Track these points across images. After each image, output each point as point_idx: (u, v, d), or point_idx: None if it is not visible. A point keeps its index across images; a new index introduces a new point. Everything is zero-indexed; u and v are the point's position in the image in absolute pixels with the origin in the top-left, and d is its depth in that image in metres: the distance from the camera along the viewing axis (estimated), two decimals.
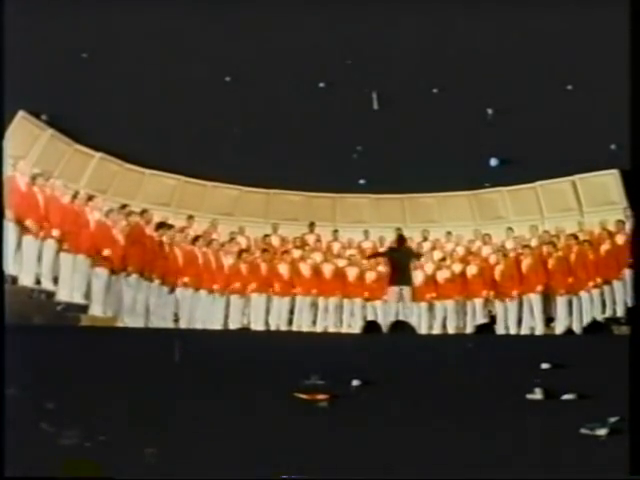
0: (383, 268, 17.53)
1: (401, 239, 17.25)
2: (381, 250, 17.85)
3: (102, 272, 15.35)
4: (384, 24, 16.07)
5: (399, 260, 16.64)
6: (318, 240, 18.74)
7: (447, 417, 8.30)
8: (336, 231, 18.97)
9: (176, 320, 16.59)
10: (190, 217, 18.29)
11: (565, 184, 18.51)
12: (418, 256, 17.29)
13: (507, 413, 8.44)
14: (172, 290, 16.32)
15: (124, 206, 16.77)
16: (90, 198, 15.91)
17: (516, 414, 8.42)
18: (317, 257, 18.35)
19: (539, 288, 17.05)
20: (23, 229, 14.57)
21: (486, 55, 16.43)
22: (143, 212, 16.83)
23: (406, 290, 16.51)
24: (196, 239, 17.34)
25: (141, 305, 15.78)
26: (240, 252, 17.97)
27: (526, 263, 17.22)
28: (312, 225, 18.92)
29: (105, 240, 15.50)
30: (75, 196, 15.77)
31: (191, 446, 7.22)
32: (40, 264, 14.83)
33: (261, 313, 17.70)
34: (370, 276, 18.07)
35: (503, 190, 18.87)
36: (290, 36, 16.23)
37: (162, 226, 16.78)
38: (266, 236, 18.57)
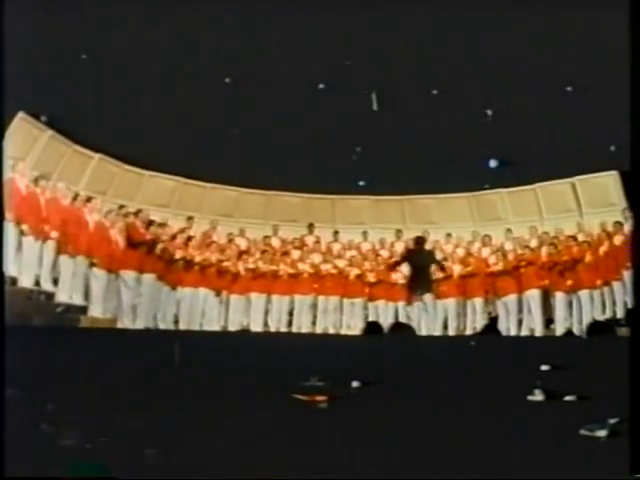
0: (403, 273, 17.21)
1: (420, 240, 16.97)
2: (400, 257, 17.51)
3: (100, 273, 15.36)
4: (384, 24, 16.05)
5: (419, 264, 16.28)
6: (317, 241, 18.71)
7: (447, 418, 8.30)
8: (336, 232, 18.94)
9: (176, 321, 16.60)
10: (190, 218, 18.31)
11: (564, 185, 18.48)
12: (440, 265, 16.83)
13: (507, 414, 8.43)
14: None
15: (121, 207, 16.83)
16: (89, 199, 15.95)
17: (516, 415, 8.42)
18: (316, 258, 18.33)
19: (539, 289, 17.05)
20: (23, 231, 14.59)
21: (486, 56, 16.40)
22: (138, 212, 16.87)
23: (427, 297, 16.31)
24: (189, 239, 17.44)
25: (139, 306, 15.80)
26: (240, 253, 17.99)
27: (525, 264, 17.22)
28: (311, 226, 18.90)
29: (103, 241, 15.53)
30: (75, 198, 15.81)
31: (191, 446, 7.22)
32: (40, 266, 14.85)
33: (260, 314, 17.68)
34: (370, 276, 18.03)
35: (503, 191, 18.84)
36: (290, 37, 16.21)
37: (152, 224, 16.86)
38: (266, 237, 18.55)
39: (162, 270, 16.43)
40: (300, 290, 17.86)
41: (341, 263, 18.21)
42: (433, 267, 16.45)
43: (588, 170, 18.02)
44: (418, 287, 16.20)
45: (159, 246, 16.54)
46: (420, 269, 16.22)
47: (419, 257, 16.46)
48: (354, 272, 18.07)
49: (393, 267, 17.34)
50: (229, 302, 17.56)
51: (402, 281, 17.40)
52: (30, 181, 15.18)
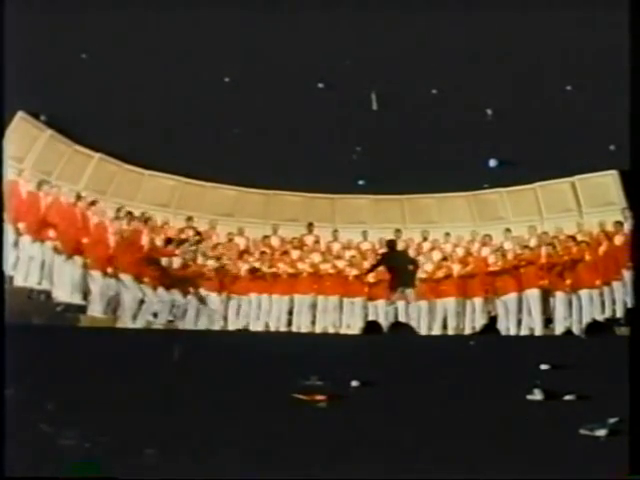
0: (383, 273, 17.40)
1: (390, 243, 17.23)
2: (376, 261, 17.67)
3: (99, 274, 15.38)
4: (384, 24, 16.05)
5: (395, 264, 16.53)
6: (317, 241, 18.72)
7: (446, 418, 8.31)
8: (336, 231, 18.96)
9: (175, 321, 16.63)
10: (189, 218, 18.35)
11: (564, 185, 18.49)
12: (413, 261, 17.10)
13: (507, 414, 8.44)
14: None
15: (120, 208, 16.87)
16: (93, 203, 16.01)
17: (516, 415, 8.43)
18: (316, 258, 18.34)
19: (538, 288, 17.04)
20: (22, 231, 14.63)
21: (486, 55, 16.41)
22: (147, 219, 16.95)
23: (409, 292, 16.42)
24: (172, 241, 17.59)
25: (137, 305, 15.83)
26: (241, 253, 18.03)
27: (525, 264, 17.22)
28: (311, 226, 18.91)
29: (102, 242, 15.56)
30: (78, 198, 15.87)
31: (191, 446, 7.22)
32: (39, 265, 14.87)
33: (260, 313, 17.69)
34: (370, 276, 18.03)
35: (502, 191, 18.84)
36: (290, 36, 16.21)
37: (171, 242, 17.03)
38: (266, 237, 18.58)
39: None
40: (300, 290, 17.87)
41: (340, 263, 18.21)
42: (409, 265, 16.64)
43: (588, 169, 18.01)
44: (399, 284, 16.39)
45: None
46: (397, 268, 16.40)
47: (394, 259, 16.66)
48: (353, 272, 18.07)
49: (370, 271, 17.48)
50: (229, 302, 17.59)
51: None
52: (34, 185, 15.25)
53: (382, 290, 17.67)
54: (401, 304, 17.14)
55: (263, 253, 18.08)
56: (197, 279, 17.08)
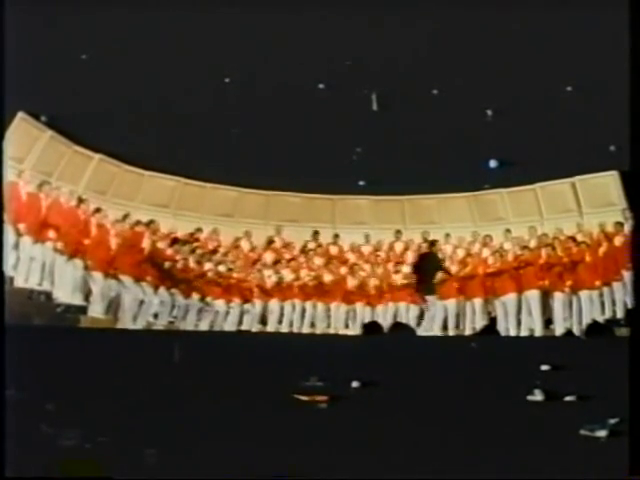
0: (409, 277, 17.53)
1: (432, 243, 17.33)
2: (415, 260, 17.76)
3: (100, 275, 15.40)
4: (384, 25, 16.05)
5: (427, 269, 16.70)
6: (319, 246, 18.71)
7: (447, 419, 8.31)
8: (337, 235, 18.96)
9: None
10: (199, 229, 18.36)
11: (564, 185, 18.49)
12: (446, 269, 17.21)
13: (507, 414, 8.44)
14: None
15: (126, 215, 16.90)
16: (97, 210, 16.06)
17: (516, 415, 8.43)
18: (317, 261, 18.34)
19: (538, 289, 17.04)
20: (23, 232, 14.64)
21: (486, 56, 16.41)
22: (150, 223, 16.97)
23: (432, 298, 16.70)
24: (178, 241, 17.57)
25: (138, 306, 15.84)
26: (253, 262, 18.05)
27: (524, 264, 17.22)
28: (316, 234, 18.88)
29: (103, 243, 15.58)
30: (80, 202, 15.91)
31: (191, 446, 7.22)
32: (40, 266, 14.88)
33: (261, 315, 17.70)
34: (370, 278, 18.04)
35: (503, 192, 18.84)
36: (290, 37, 16.22)
37: (176, 242, 17.04)
38: (271, 241, 18.59)
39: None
40: (301, 294, 17.87)
41: (342, 265, 18.21)
42: (437, 270, 16.73)
43: (588, 170, 18.01)
44: (423, 289, 16.52)
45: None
46: (427, 272, 16.53)
47: (428, 260, 16.76)
48: (354, 273, 18.07)
49: (414, 269, 17.58)
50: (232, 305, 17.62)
51: (401, 282, 17.59)
52: (35, 186, 15.28)
53: (383, 291, 17.71)
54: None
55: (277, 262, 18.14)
56: (199, 282, 17.08)
